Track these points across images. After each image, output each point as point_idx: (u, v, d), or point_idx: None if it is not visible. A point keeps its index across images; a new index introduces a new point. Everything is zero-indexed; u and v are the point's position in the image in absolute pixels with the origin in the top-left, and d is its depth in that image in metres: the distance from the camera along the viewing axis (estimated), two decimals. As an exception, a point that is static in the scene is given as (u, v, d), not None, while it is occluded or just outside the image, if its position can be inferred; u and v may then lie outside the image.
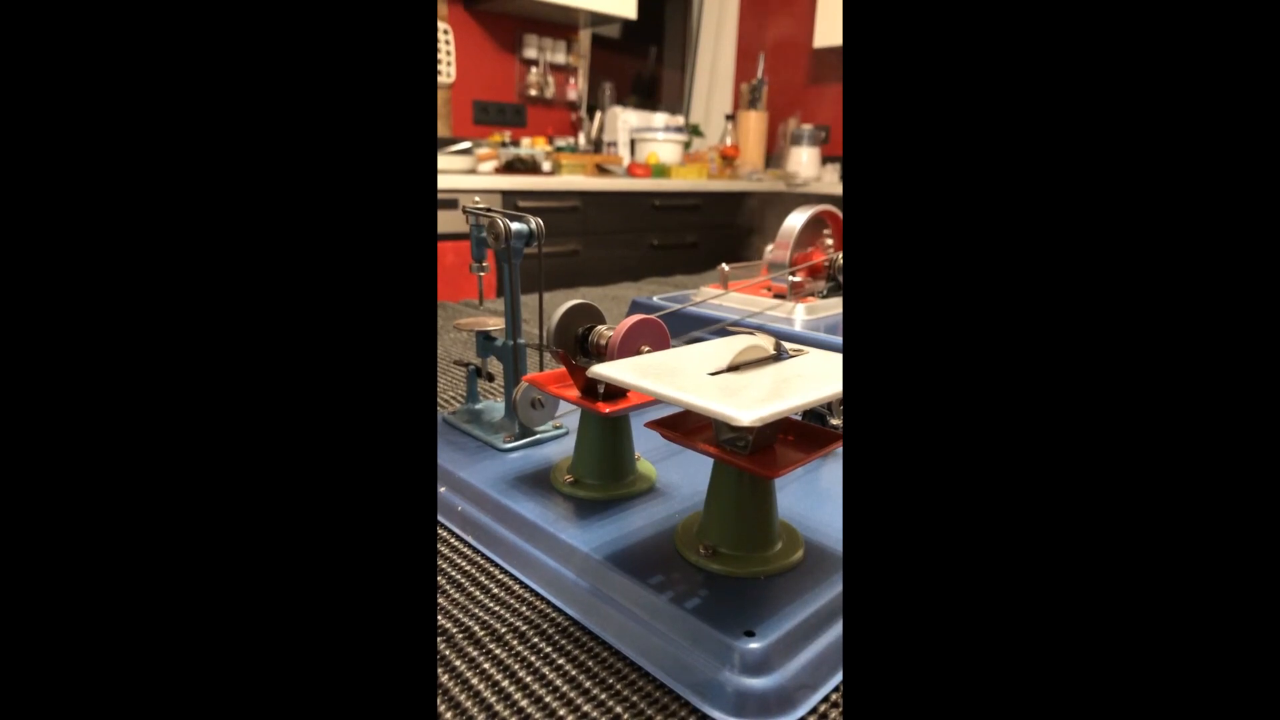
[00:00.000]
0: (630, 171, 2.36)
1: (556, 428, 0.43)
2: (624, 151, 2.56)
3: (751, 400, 0.24)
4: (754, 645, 0.24)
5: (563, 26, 2.52)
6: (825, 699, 0.25)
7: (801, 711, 0.24)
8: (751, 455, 0.29)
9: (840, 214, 0.75)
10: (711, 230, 2.50)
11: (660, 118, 2.60)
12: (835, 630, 0.26)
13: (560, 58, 2.53)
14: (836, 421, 0.41)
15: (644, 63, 2.93)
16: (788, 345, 0.31)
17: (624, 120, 2.56)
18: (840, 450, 0.42)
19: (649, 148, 2.51)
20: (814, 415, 0.42)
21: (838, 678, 0.25)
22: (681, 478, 0.37)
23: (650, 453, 0.39)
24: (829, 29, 2.63)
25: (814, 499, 0.36)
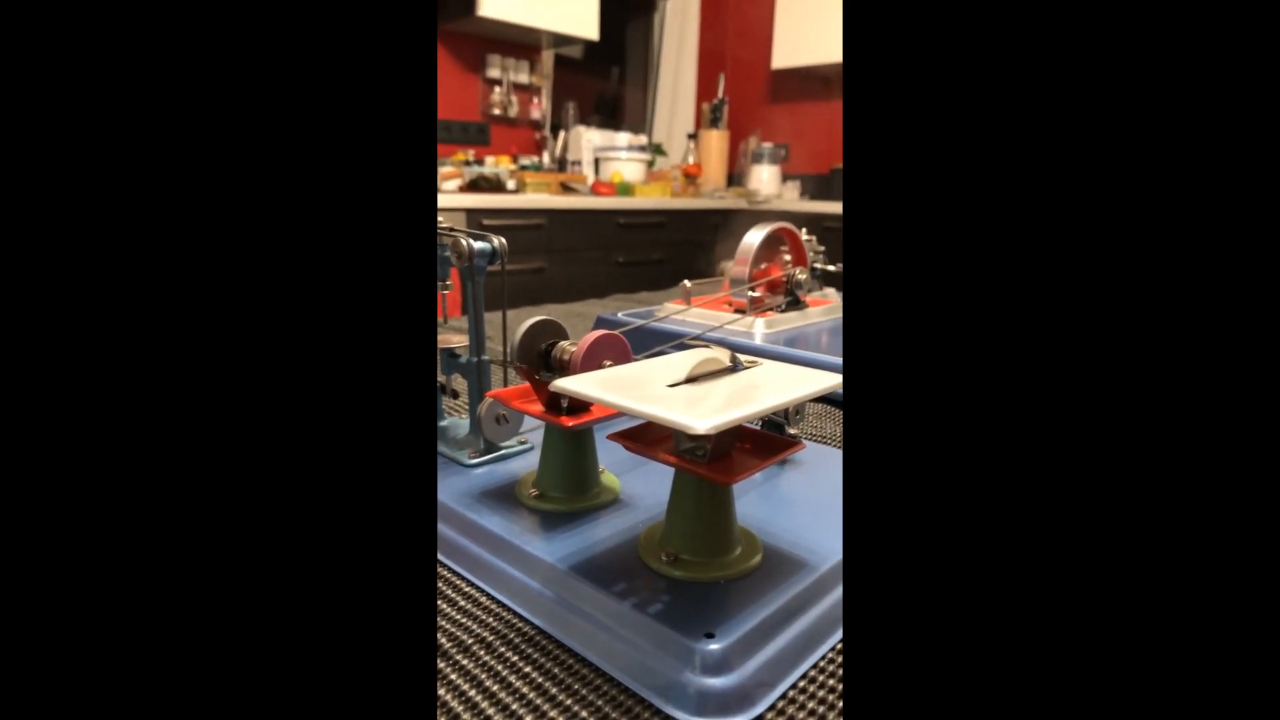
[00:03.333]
0: (595, 190, 2.38)
1: (521, 443, 0.44)
2: (588, 170, 2.58)
3: (707, 410, 0.25)
4: (714, 646, 0.25)
5: (525, 47, 2.54)
6: (783, 695, 0.26)
7: (760, 709, 0.25)
8: (710, 463, 0.30)
9: (795, 230, 0.78)
10: (676, 247, 2.53)
11: (623, 137, 2.63)
12: (792, 630, 0.28)
13: (523, 77, 2.55)
14: (794, 430, 0.43)
15: (606, 83, 2.96)
16: (743, 357, 0.32)
17: (588, 139, 2.58)
18: (797, 457, 0.44)
19: (613, 166, 2.53)
20: (772, 425, 0.43)
21: (794, 675, 0.26)
22: (645, 489, 0.38)
23: (614, 465, 0.40)
24: (786, 51, 2.70)
25: (773, 505, 0.37)
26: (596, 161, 2.59)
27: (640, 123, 3.08)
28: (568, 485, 0.37)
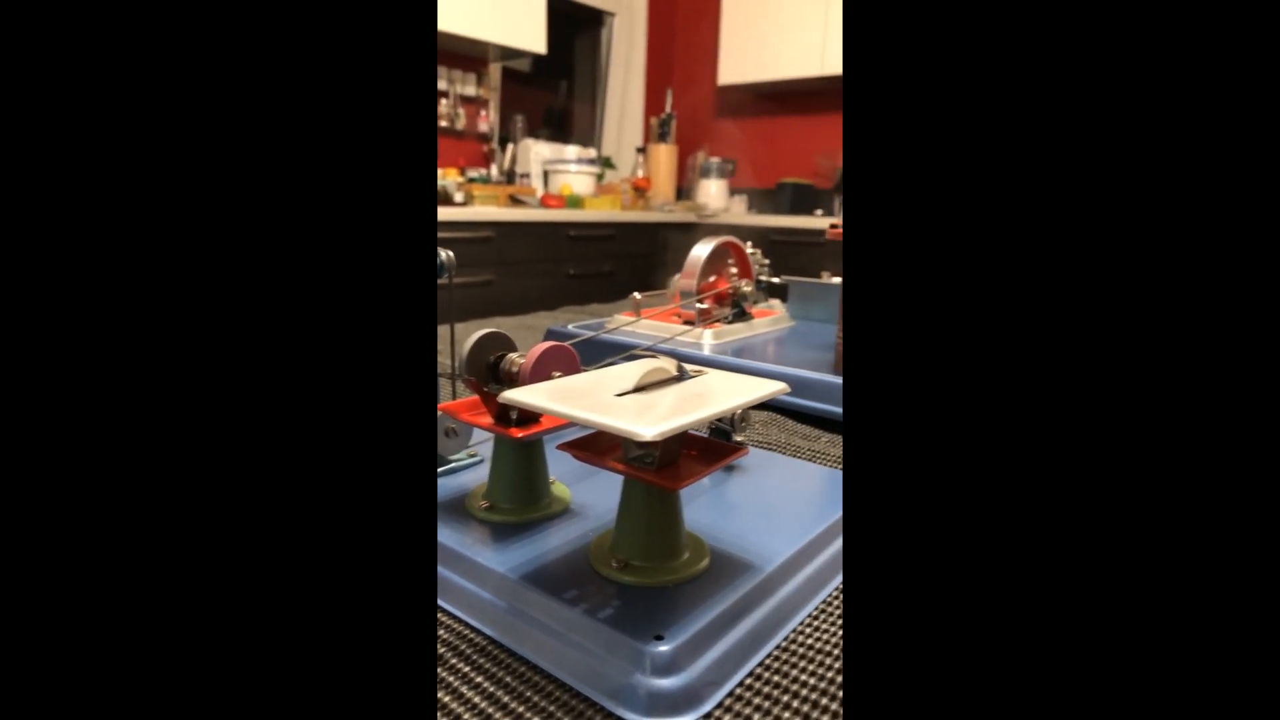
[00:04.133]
0: (544, 202, 2.38)
1: (471, 456, 0.44)
2: (537, 183, 2.58)
3: (655, 418, 0.26)
4: (663, 648, 0.26)
5: (472, 59, 2.54)
6: (730, 693, 0.26)
7: (708, 707, 0.26)
8: (658, 470, 0.30)
9: (741, 244, 0.80)
10: (627, 259, 2.54)
11: (572, 150, 2.64)
12: (739, 630, 0.28)
13: (471, 90, 2.54)
14: (740, 437, 0.44)
15: (555, 96, 2.97)
16: (689, 366, 0.33)
17: (536, 152, 2.59)
18: (743, 463, 0.45)
19: (562, 179, 2.54)
20: (720, 432, 0.44)
21: (741, 673, 0.27)
22: (596, 498, 0.39)
23: (565, 475, 0.41)
24: (732, 68, 2.76)
25: (721, 511, 0.38)
26: (545, 174, 2.59)
27: (589, 136, 3.10)
28: (518, 496, 0.37)
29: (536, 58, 2.59)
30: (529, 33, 2.36)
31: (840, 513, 0.38)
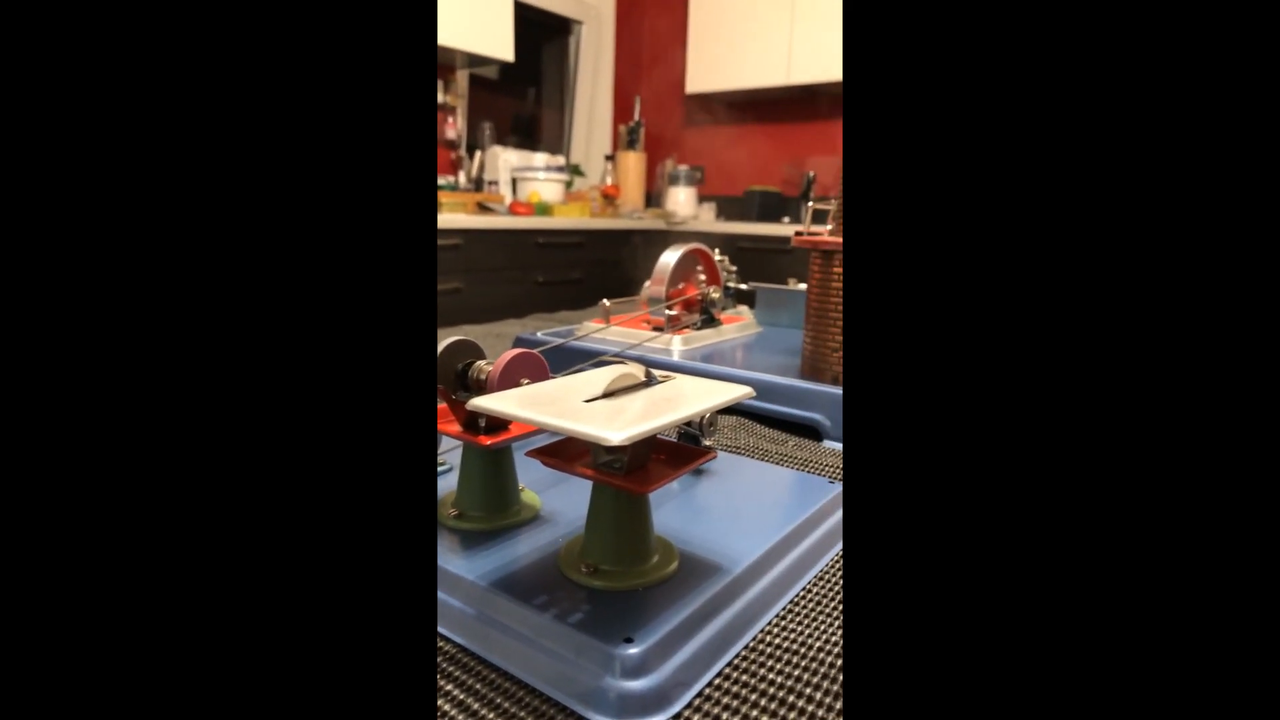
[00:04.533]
0: (512, 210, 2.38)
1: (440, 465, 0.43)
2: (505, 190, 2.57)
3: (623, 422, 0.26)
4: (633, 651, 0.26)
5: (440, 66, 2.52)
6: (699, 694, 0.27)
7: (678, 707, 0.26)
8: (626, 475, 0.31)
9: (709, 251, 0.81)
10: (596, 267, 2.55)
11: (541, 157, 2.64)
12: (708, 631, 0.29)
13: (438, 97, 2.52)
14: (709, 441, 0.45)
15: (523, 103, 2.97)
16: (657, 372, 0.34)
17: (504, 159, 2.58)
18: (712, 467, 0.46)
19: (530, 186, 2.53)
20: (689, 437, 0.45)
21: (710, 674, 0.28)
22: (565, 504, 0.39)
23: (534, 483, 0.41)
24: (699, 76, 2.79)
25: (689, 514, 0.38)
26: (514, 181, 2.58)
27: (557, 143, 3.10)
28: (487, 504, 0.37)
29: (504, 65, 2.59)
30: (497, 40, 2.36)
31: (806, 514, 0.38)
